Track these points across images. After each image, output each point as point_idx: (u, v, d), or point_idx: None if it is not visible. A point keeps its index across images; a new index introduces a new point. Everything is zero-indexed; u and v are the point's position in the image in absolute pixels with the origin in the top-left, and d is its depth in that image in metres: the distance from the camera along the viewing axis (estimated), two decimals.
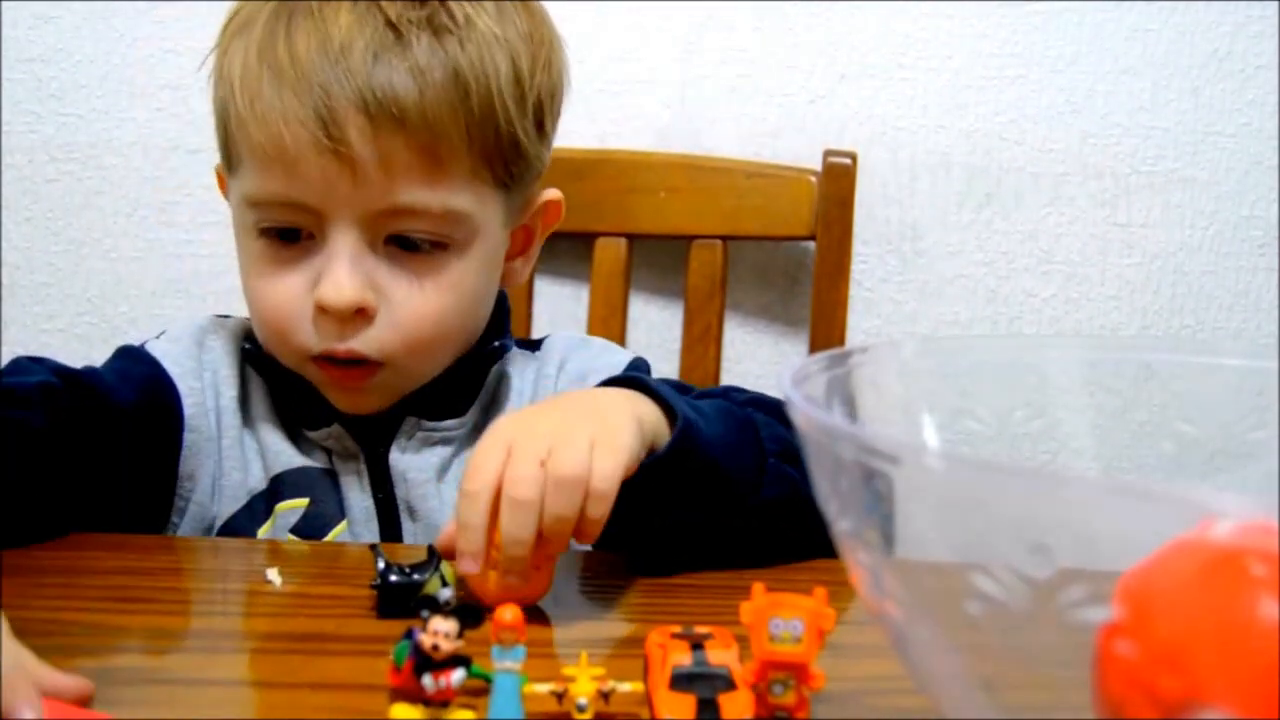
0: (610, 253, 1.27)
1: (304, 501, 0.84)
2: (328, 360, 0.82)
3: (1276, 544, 0.37)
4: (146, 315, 1.33)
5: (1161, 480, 0.61)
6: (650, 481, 0.70)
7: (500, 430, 0.68)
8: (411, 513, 0.86)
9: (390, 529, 0.85)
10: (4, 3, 1.30)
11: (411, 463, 0.85)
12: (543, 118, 0.85)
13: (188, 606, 0.69)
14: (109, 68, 1.30)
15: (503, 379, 0.91)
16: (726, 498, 0.75)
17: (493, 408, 0.90)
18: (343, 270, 0.79)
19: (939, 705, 0.48)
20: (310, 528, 0.84)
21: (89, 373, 0.84)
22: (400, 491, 0.85)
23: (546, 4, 1.30)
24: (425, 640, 0.51)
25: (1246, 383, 0.60)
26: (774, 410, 0.80)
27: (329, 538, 0.84)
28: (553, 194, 0.91)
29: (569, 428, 0.67)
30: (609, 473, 0.66)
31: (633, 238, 1.27)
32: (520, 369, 0.92)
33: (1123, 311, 1.35)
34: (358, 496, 0.85)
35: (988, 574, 0.41)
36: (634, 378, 0.76)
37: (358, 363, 0.82)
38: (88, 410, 0.79)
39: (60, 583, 0.69)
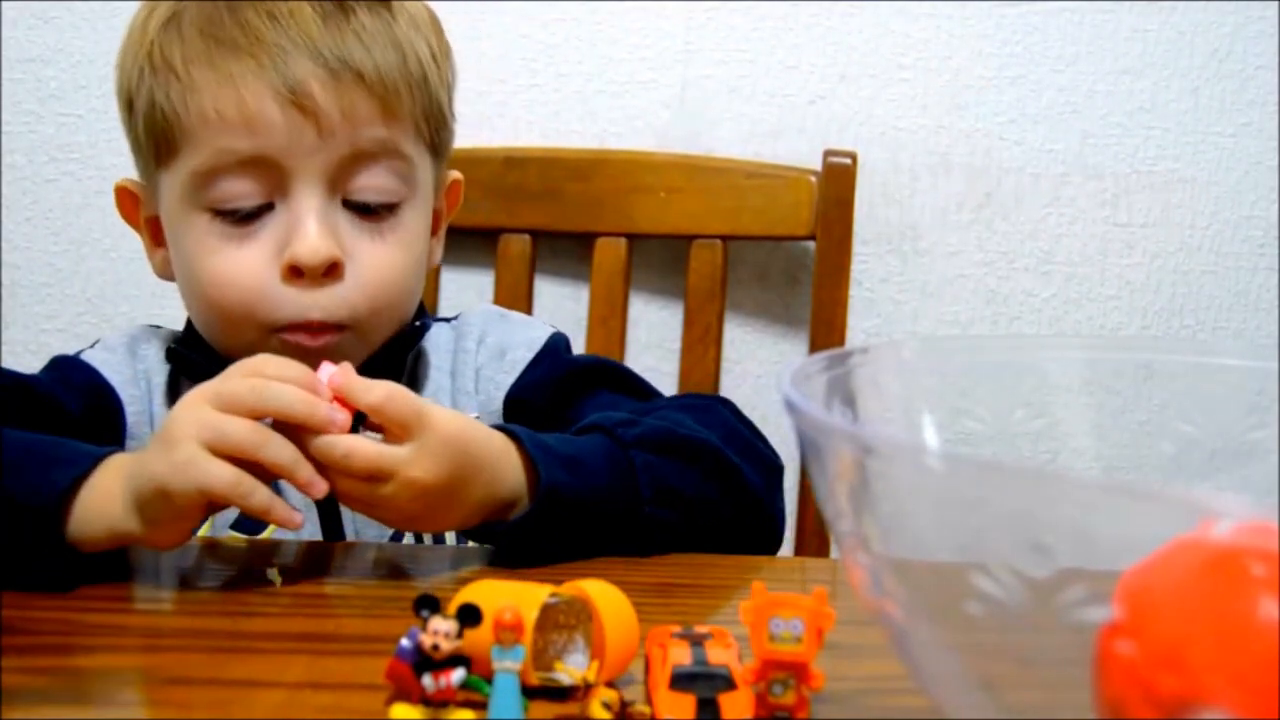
0: (610, 253, 1.27)
1: None
2: (300, 326, 0.83)
3: (1276, 544, 0.37)
4: (146, 315, 1.33)
5: (1161, 480, 0.61)
6: (516, 534, 0.74)
7: (441, 461, 0.71)
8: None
9: (329, 517, 0.85)
10: (4, 3, 1.30)
11: None
12: (451, 97, 0.91)
13: (188, 606, 0.69)
14: (109, 68, 1.28)
15: (420, 356, 0.92)
16: (598, 540, 0.77)
17: (414, 386, 0.91)
18: (313, 226, 0.81)
19: (939, 705, 0.48)
20: (249, 523, 0.84)
21: (35, 380, 0.84)
22: None
23: (551, 3, 1.31)
24: (425, 640, 0.51)
25: (1246, 383, 0.60)
26: (668, 449, 0.79)
27: (268, 531, 0.84)
28: (455, 174, 0.95)
29: (440, 496, 0.71)
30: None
31: (633, 238, 1.27)
32: (437, 342, 0.93)
33: (1123, 311, 1.35)
34: (294, 488, 0.85)
35: (987, 574, 0.41)
36: (513, 433, 0.76)
37: (327, 326, 0.83)
38: (38, 416, 0.79)
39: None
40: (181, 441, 0.66)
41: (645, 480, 0.77)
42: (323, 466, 0.69)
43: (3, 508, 0.66)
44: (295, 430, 0.69)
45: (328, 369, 0.71)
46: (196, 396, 0.69)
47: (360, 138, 0.82)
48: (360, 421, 0.70)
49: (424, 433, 0.70)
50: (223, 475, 0.66)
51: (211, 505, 0.68)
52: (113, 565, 0.71)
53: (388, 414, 0.70)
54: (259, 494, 0.67)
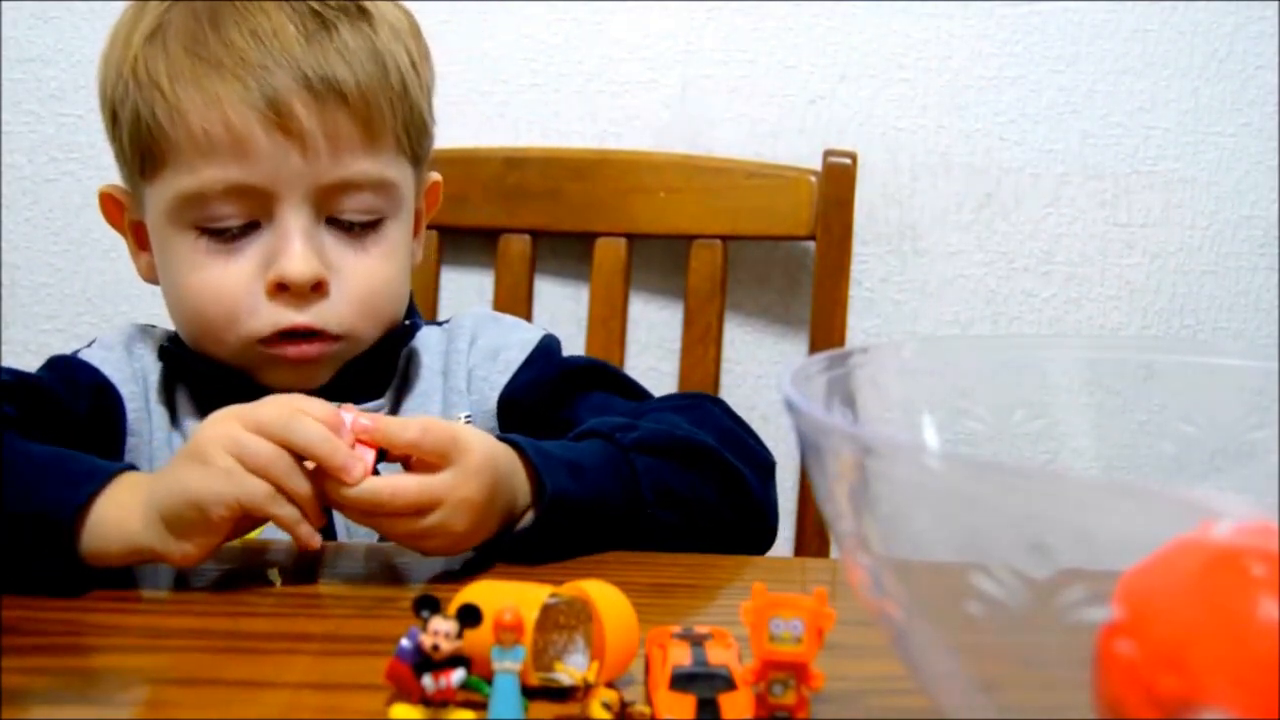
0: (610, 253, 1.27)
1: None
2: (284, 338, 0.84)
3: (1276, 544, 0.37)
4: (146, 315, 1.32)
5: (1161, 480, 0.61)
6: (524, 542, 0.75)
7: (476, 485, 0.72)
8: None
9: None
10: (4, 3, 1.30)
11: None
12: (431, 100, 0.92)
13: (188, 606, 0.69)
14: None
15: (412, 357, 0.93)
16: (602, 543, 0.78)
17: (404, 387, 0.92)
18: (299, 246, 0.82)
19: (939, 705, 0.48)
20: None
21: (39, 379, 0.85)
22: None
23: (551, 3, 1.31)
24: (425, 640, 0.51)
25: (1246, 383, 0.60)
26: (666, 451, 0.81)
27: (259, 530, 0.84)
28: (435, 175, 0.96)
29: (473, 523, 0.72)
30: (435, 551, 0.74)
31: (633, 238, 1.27)
32: (428, 344, 0.94)
33: (1123, 311, 1.35)
34: None
35: (988, 574, 0.41)
36: (515, 443, 0.76)
37: (315, 335, 0.84)
38: (44, 417, 0.80)
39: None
40: (215, 455, 0.67)
41: (647, 483, 0.79)
42: (331, 506, 0.70)
43: (17, 524, 0.67)
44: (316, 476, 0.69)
45: (349, 415, 0.71)
46: (225, 414, 0.69)
47: (344, 169, 0.83)
48: (380, 458, 0.71)
49: (462, 456, 0.71)
50: (260, 486, 0.67)
51: (237, 525, 0.69)
52: (121, 574, 0.71)
53: (426, 447, 0.70)
54: (290, 507, 0.68)
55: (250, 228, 0.83)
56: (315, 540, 0.70)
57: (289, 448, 0.68)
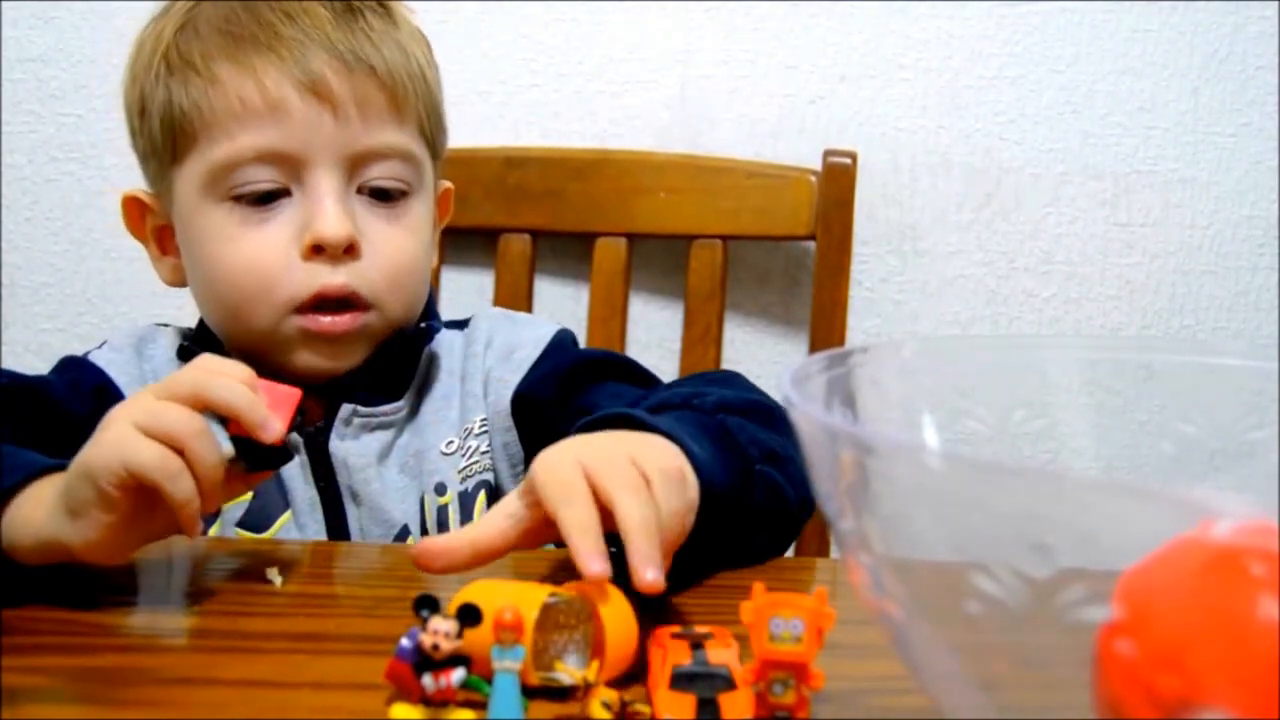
0: (610, 253, 1.27)
1: (247, 496, 0.85)
2: (318, 307, 0.84)
3: (1276, 544, 0.37)
4: (146, 315, 1.33)
5: (1161, 480, 0.61)
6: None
7: (554, 452, 0.63)
8: (355, 497, 0.87)
9: (335, 516, 0.86)
10: (4, 3, 1.30)
11: (352, 449, 0.87)
12: (443, 104, 0.94)
13: (188, 606, 0.69)
14: (109, 68, 1.30)
15: (433, 360, 0.93)
16: (723, 513, 0.69)
17: (424, 389, 0.92)
18: (333, 206, 0.83)
19: (939, 705, 0.48)
20: (255, 521, 0.85)
21: (40, 381, 0.85)
22: (342, 478, 0.87)
23: (551, 3, 1.31)
24: (425, 640, 0.51)
25: (1246, 383, 0.60)
26: (743, 410, 0.76)
27: (273, 529, 0.85)
28: (446, 184, 0.98)
29: (628, 446, 0.63)
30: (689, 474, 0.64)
31: (633, 238, 1.27)
32: (449, 348, 0.94)
33: (1123, 311, 1.35)
34: (301, 487, 0.86)
35: (987, 573, 0.41)
36: (627, 415, 0.69)
37: (348, 305, 0.85)
38: (42, 418, 0.80)
39: (61, 582, 0.69)
40: (114, 423, 0.64)
41: (744, 439, 0.73)
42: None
43: None
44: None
45: (276, 387, 0.68)
46: (141, 390, 0.68)
47: (374, 138, 0.85)
48: (295, 427, 0.68)
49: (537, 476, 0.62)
50: (151, 452, 0.62)
51: (138, 511, 0.64)
52: (121, 573, 0.70)
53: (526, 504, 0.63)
54: (183, 482, 0.63)
55: (282, 197, 0.84)
56: (196, 528, 0.64)
57: (206, 405, 0.65)
